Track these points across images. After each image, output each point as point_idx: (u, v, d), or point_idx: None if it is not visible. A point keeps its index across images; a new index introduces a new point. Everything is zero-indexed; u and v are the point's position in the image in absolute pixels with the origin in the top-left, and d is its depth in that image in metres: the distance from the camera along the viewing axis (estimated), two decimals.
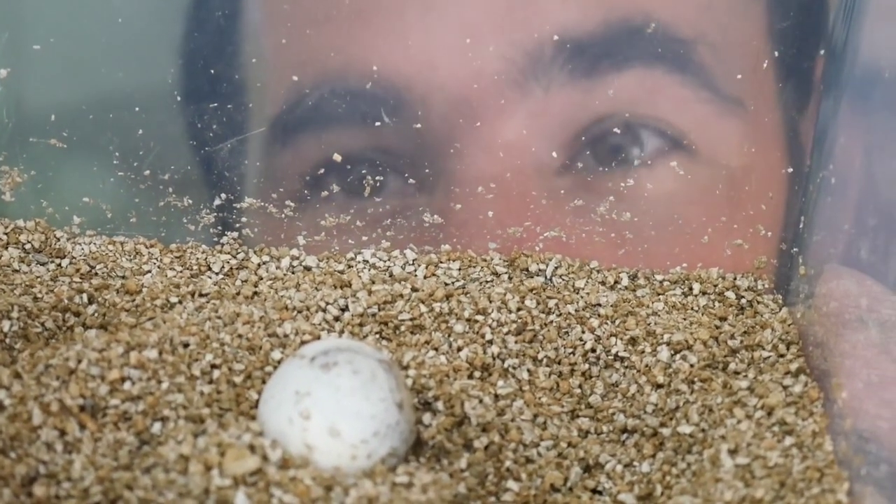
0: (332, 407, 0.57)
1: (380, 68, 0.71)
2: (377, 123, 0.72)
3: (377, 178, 0.73)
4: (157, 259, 0.74)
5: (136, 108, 0.72)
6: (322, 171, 0.73)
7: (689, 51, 0.71)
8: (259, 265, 0.74)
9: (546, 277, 0.73)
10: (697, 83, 0.71)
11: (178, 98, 0.72)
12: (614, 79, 0.71)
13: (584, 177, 0.73)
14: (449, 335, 0.68)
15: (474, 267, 0.74)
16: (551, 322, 0.69)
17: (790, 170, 0.72)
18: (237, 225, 0.75)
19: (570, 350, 0.68)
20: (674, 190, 0.73)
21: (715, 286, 0.73)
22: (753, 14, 0.71)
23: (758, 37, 0.71)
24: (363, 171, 0.73)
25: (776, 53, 0.70)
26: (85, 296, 0.69)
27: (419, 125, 0.72)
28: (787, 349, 0.67)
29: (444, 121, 0.72)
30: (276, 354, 0.63)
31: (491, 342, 0.67)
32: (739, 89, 0.71)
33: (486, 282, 0.73)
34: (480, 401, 0.63)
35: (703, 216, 0.73)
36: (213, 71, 0.72)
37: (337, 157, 0.73)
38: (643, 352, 0.67)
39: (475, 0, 0.71)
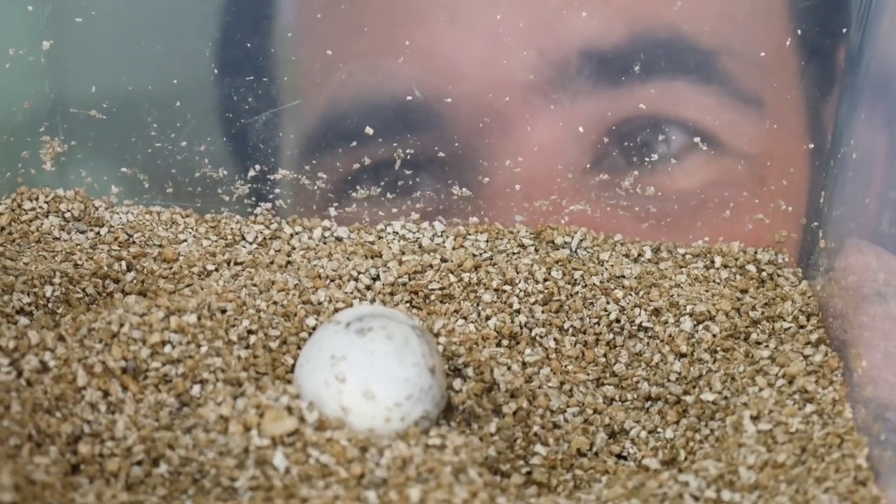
0: (366, 370, 0.58)
1: (410, 82, 0.73)
2: (409, 98, 0.73)
3: (408, 151, 0.75)
4: (192, 229, 0.76)
5: (174, 81, 0.74)
6: (354, 143, 0.75)
7: (712, 61, 0.72)
8: (292, 235, 0.76)
9: (571, 250, 0.75)
10: (721, 91, 0.73)
11: (215, 71, 0.74)
12: (638, 90, 0.73)
13: (609, 156, 0.74)
14: (478, 304, 0.69)
15: (501, 239, 0.75)
16: (577, 293, 0.70)
17: (811, 146, 0.73)
18: (271, 196, 0.77)
19: (595, 320, 0.69)
20: (697, 166, 0.74)
21: (736, 259, 0.74)
22: None
23: (779, 16, 0.72)
24: (394, 144, 0.75)
25: (799, 31, 0.71)
26: (123, 263, 0.71)
27: (449, 99, 0.73)
28: (808, 320, 0.68)
29: (471, 129, 0.74)
30: (311, 321, 0.65)
31: (518, 311, 0.69)
32: (762, 74, 0.73)
33: (513, 253, 0.74)
34: (509, 368, 0.65)
35: (725, 191, 0.74)
36: (249, 44, 0.73)
37: (369, 131, 0.74)
38: (666, 322, 0.69)
39: (502, 11, 0.72)
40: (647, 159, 0.74)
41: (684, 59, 0.72)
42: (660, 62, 0.72)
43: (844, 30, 0.70)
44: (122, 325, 0.62)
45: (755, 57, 0.72)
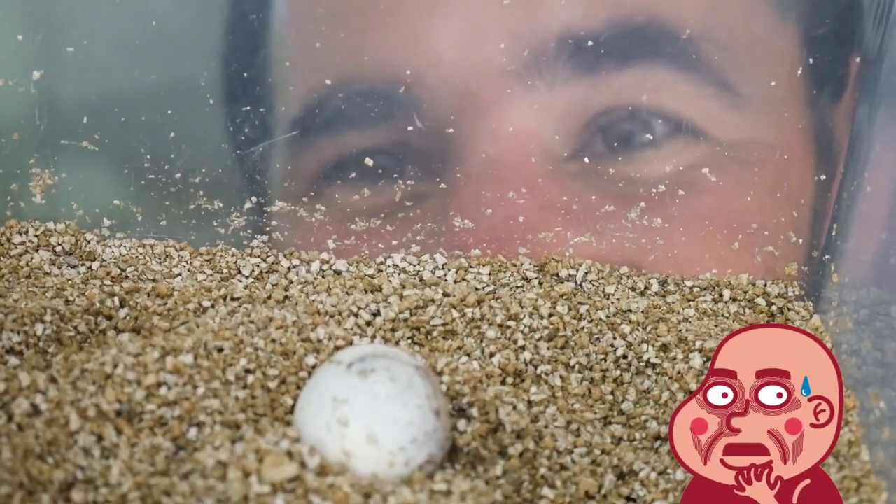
0: (369, 414, 0.57)
1: (389, 65, 0.71)
2: (409, 128, 0.72)
3: (409, 182, 0.73)
4: (186, 262, 0.74)
5: (169, 111, 0.72)
6: (354, 174, 0.73)
7: (692, 48, 0.71)
8: (289, 269, 0.74)
9: (576, 283, 0.73)
10: (701, 80, 0.71)
11: (211, 101, 0.72)
12: (617, 76, 0.71)
13: (617, 183, 0.73)
14: (481, 341, 0.68)
15: (504, 272, 0.74)
16: (583, 328, 0.69)
17: (823, 177, 0.72)
18: (267, 228, 0.75)
19: (602, 356, 0.68)
20: (704, 196, 0.73)
21: (745, 293, 0.73)
22: (777, 19, 0.71)
23: (789, 43, 0.70)
24: (395, 176, 0.73)
25: (811, 60, 0.70)
26: (116, 299, 0.69)
27: (411, 127, 0.72)
28: None
29: (451, 113, 0.72)
30: (310, 360, 0.63)
31: (523, 348, 0.67)
32: (768, 93, 0.71)
33: (517, 287, 0.73)
34: (514, 407, 0.63)
35: (734, 223, 0.73)
36: (246, 74, 0.72)
37: (369, 162, 0.73)
38: (675, 358, 0.67)
39: None
40: (627, 148, 0.73)
41: (663, 46, 0.70)
42: (638, 49, 0.70)
43: (858, 59, 0.69)
44: (115, 366, 0.60)
45: (752, 54, 0.71)
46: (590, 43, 0.70)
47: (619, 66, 0.71)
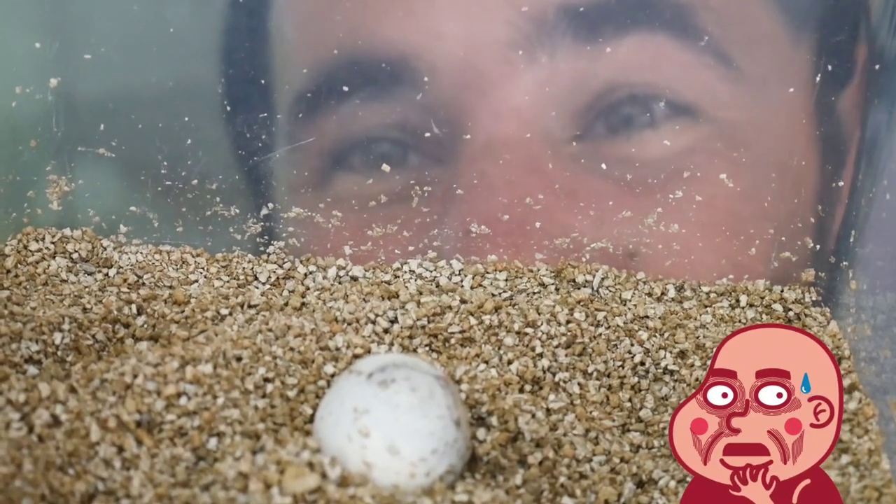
0: (390, 424, 0.57)
1: (390, 43, 0.71)
2: (427, 134, 0.72)
3: (426, 188, 0.73)
4: (203, 268, 0.74)
5: (185, 118, 0.72)
6: (371, 181, 0.73)
7: (689, 16, 0.70)
8: (306, 275, 0.74)
9: (593, 289, 0.73)
10: (700, 48, 0.71)
11: (228, 108, 0.72)
12: (617, 45, 0.71)
13: (624, 164, 0.72)
14: (499, 348, 0.68)
15: (521, 278, 0.74)
16: (600, 335, 0.69)
17: (840, 183, 0.71)
18: (284, 234, 0.75)
19: (620, 363, 0.68)
20: (721, 202, 0.73)
21: (762, 298, 0.73)
22: (797, 31, 0.71)
23: (809, 51, 0.70)
24: (412, 182, 0.73)
25: (829, 67, 0.70)
26: (134, 306, 0.68)
27: (428, 134, 0.72)
28: (839, 364, 0.67)
29: (453, 89, 0.72)
30: (329, 368, 0.63)
31: (541, 355, 0.67)
32: (769, 74, 0.71)
33: (534, 293, 0.73)
34: (533, 415, 0.63)
35: (751, 228, 0.73)
36: (263, 81, 0.71)
37: (386, 168, 0.73)
38: (693, 365, 0.67)
39: None
40: (628, 125, 0.72)
41: (661, 14, 0.70)
42: (636, 16, 0.70)
43: (877, 66, 0.69)
44: (135, 376, 0.60)
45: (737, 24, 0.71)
46: (588, 10, 0.70)
47: (619, 33, 0.71)
